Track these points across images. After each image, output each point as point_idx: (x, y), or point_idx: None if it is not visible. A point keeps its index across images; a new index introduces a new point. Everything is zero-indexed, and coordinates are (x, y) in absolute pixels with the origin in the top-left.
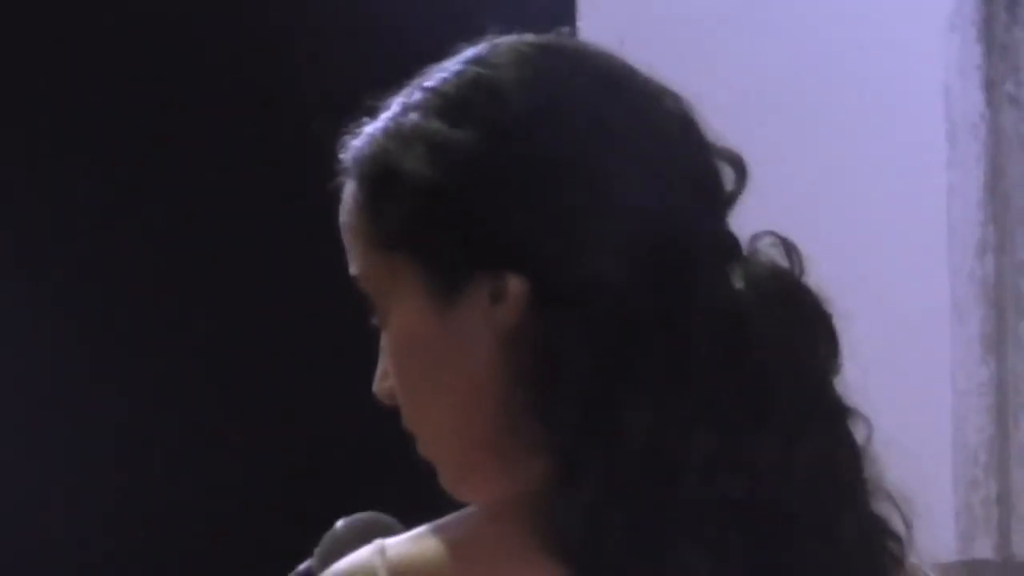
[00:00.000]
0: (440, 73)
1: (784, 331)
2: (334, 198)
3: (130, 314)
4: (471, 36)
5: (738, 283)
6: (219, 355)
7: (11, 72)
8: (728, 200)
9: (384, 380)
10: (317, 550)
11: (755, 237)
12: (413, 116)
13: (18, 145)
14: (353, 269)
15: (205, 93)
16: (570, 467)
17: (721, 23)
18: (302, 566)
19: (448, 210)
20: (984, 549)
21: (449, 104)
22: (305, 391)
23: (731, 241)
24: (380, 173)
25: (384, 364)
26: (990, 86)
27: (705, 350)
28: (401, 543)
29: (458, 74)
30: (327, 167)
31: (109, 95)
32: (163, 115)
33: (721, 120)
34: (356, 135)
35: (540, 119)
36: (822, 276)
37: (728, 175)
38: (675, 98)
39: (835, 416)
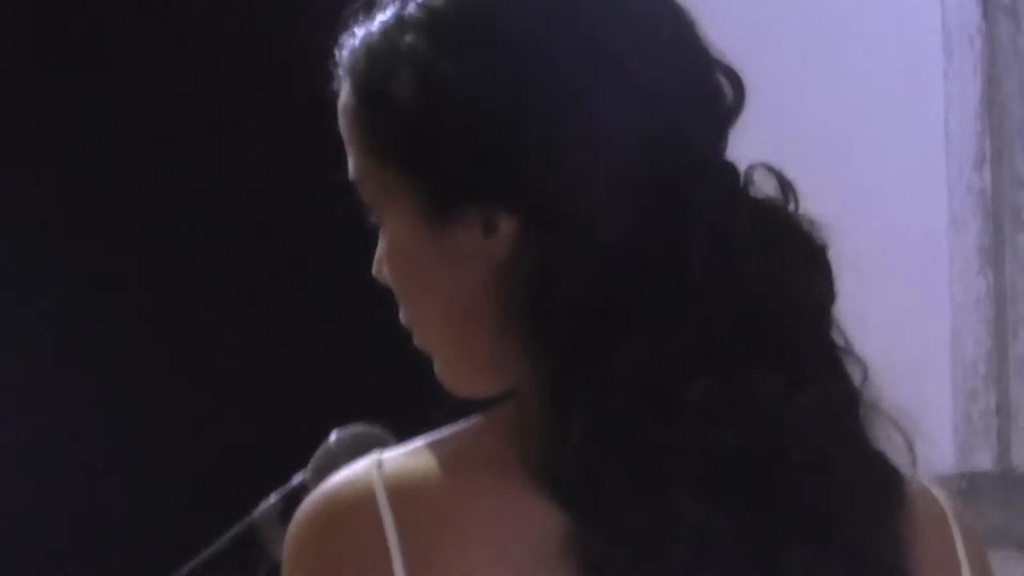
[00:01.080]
0: None
1: (782, 271)
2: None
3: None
4: None
5: (736, 218)
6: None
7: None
8: (727, 117)
9: (382, 265)
10: (311, 464)
11: (750, 169)
12: (408, 37)
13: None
14: (351, 172)
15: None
16: (560, 400)
17: None
18: (295, 479)
19: (436, 139)
20: (984, 461)
21: (440, 28)
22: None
23: (729, 171)
24: (373, 90)
25: (381, 251)
26: None
27: (702, 286)
28: (398, 456)
29: None
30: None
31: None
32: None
33: (714, 38)
34: (352, 35)
35: (531, 48)
36: (821, 190)
37: (727, 91)
38: (675, 12)
39: (833, 355)
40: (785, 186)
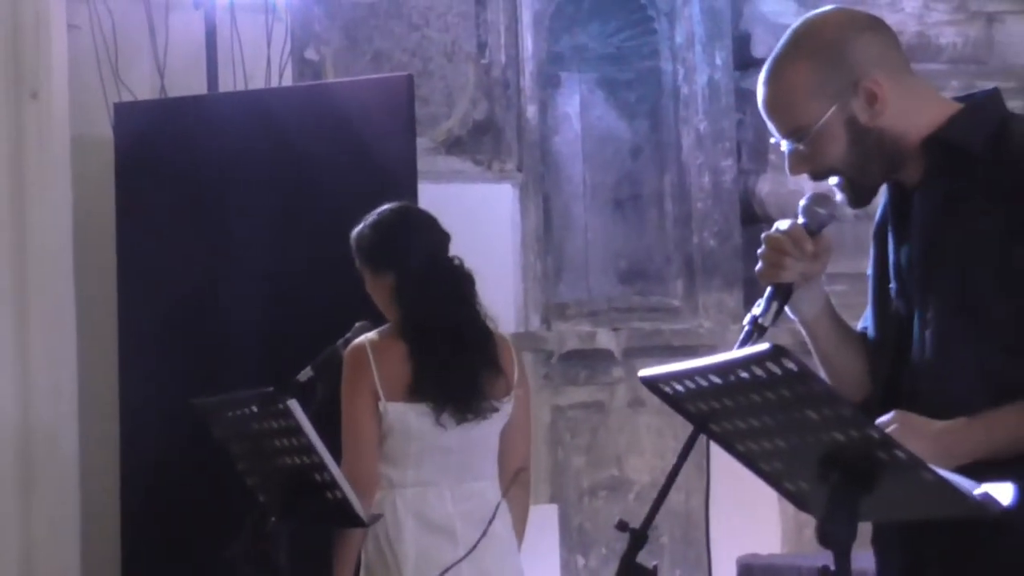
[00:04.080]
0: (378, 213)
1: (460, 286)
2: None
3: None
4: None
5: (453, 273)
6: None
7: None
8: (448, 242)
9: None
10: (350, 333)
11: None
12: (362, 232)
13: None
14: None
15: None
16: (405, 321)
17: None
18: (349, 334)
19: (369, 257)
20: (535, 324)
21: (372, 224)
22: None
23: (452, 258)
24: (353, 246)
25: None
26: None
27: (445, 289)
28: (372, 334)
29: (380, 215)
30: None
31: None
32: None
33: None
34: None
35: (395, 234)
36: None
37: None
38: (431, 219)
39: (474, 297)
40: (461, 264)
